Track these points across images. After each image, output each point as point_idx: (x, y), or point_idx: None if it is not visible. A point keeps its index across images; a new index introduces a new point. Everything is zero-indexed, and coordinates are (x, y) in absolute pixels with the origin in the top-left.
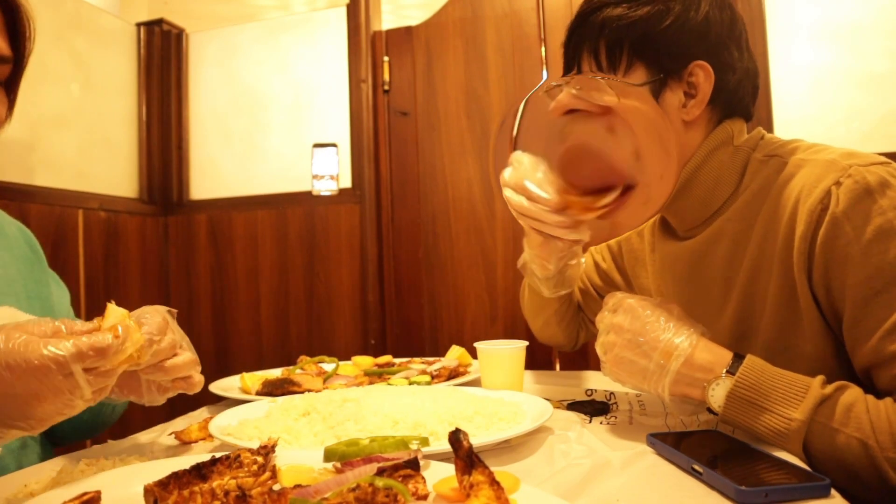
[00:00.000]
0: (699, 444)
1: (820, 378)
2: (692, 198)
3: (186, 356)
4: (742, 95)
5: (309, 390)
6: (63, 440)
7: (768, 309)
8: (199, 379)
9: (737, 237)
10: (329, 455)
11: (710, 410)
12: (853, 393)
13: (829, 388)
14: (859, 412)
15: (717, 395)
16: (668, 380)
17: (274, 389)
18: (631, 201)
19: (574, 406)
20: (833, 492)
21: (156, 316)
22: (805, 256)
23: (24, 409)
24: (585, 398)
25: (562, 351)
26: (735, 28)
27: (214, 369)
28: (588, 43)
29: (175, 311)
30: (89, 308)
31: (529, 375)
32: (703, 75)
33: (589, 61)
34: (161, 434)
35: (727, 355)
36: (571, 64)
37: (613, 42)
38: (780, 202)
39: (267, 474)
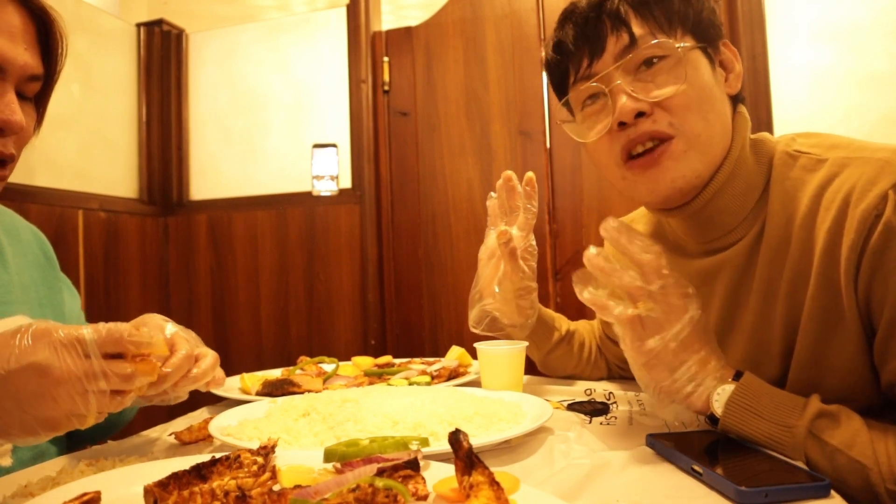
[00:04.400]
0: (699, 444)
1: (817, 395)
2: (729, 194)
3: (208, 360)
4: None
5: (309, 391)
6: (82, 442)
7: (804, 319)
8: (221, 374)
9: (776, 245)
10: (329, 455)
11: (710, 419)
12: (856, 417)
13: (832, 407)
14: (864, 438)
15: (720, 399)
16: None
17: (274, 390)
18: (668, 150)
19: (574, 406)
20: (833, 492)
21: (158, 335)
22: (854, 265)
23: (38, 393)
24: (585, 398)
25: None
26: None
27: None
28: (636, 6)
29: (182, 327)
30: (89, 308)
31: (529, 376)
32: (729, 53)
33: (644, 23)
34: (161, 434)
35: (732, 371)
36: (611, 30)
37: (668, 8)
38: (822, 204)
39: (267, 475)
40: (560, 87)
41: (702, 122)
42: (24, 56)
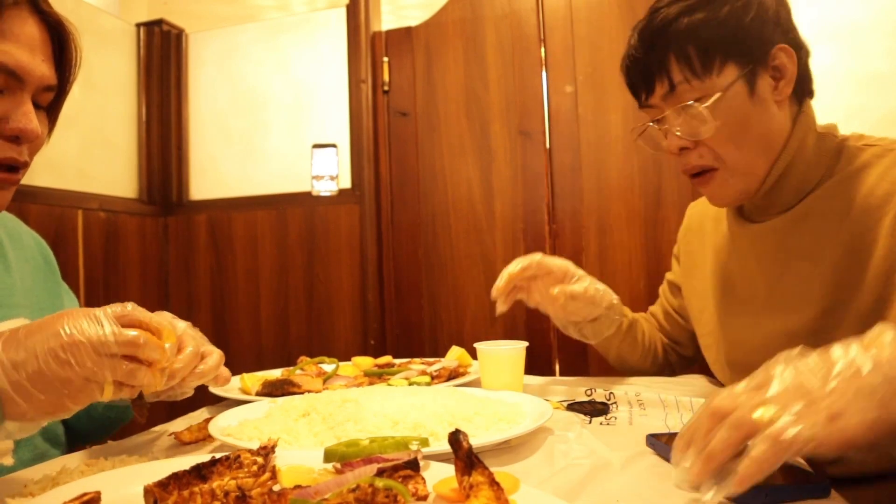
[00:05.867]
0: None
1: None
2: (789, 182)
3: (214, 357)
4: (809, 71)
5: (309, 391)
6: (84, 440)
7: (867, 281)
8: (226, 373)
9: (829, 214)
10: (329, 456)
11: None
12: None
13: None
14: None
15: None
16: None
17: (274, 390)
18: (715, 178)
19: (574, 406)
20: (833, 492)
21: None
22: None
23: (55, 353)
24: (585, 398)
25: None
26: (791, 11)
27: None
28: (676, 52)
29: (189, 322)
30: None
31: (529, 376)
32: (785, 56)
33: (680, 69)
34: (161, 435)
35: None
36: (654, 77)
37: (704, 45)
38: (890, 178)
39: (267, 475)
40: (636, 95)
41: (737, 151)
42: (42, 67)
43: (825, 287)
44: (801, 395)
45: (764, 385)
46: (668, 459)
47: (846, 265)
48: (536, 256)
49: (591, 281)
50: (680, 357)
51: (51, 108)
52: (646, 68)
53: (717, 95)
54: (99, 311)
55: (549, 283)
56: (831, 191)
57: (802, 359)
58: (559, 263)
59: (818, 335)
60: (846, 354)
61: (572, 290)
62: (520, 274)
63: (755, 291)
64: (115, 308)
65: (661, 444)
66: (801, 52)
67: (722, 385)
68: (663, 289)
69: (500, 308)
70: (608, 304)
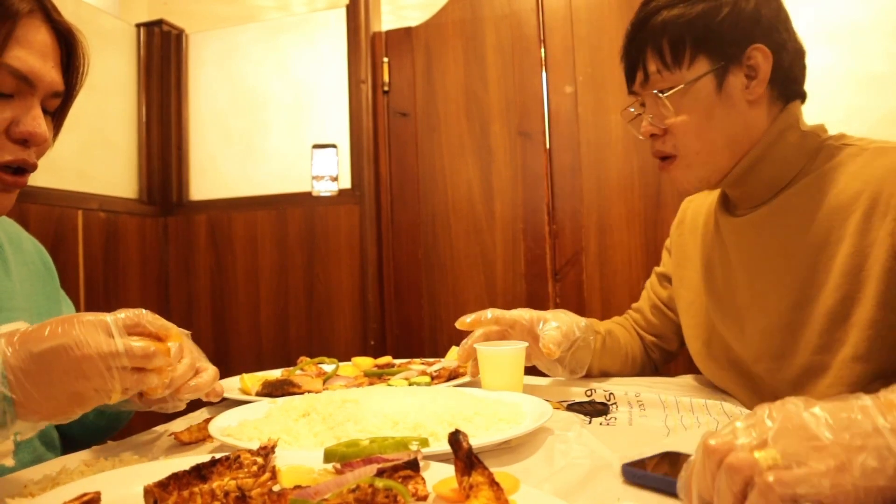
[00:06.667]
0: (673, 464)
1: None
2: (761, 175)
3: (209, 372)
4: (796, 74)
5: (309, 391)
6: (76, 446)
7: (833, 278)
8: (220, 389)
9: (802, 210)
10: (329, 456)
11: None
12: None
13: None
14: None
15: None
16: None
17: (274, 390)
18: (675, 165)
19: (574, 406)
20: None
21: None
22: (893, 220)
23: (67, 369)
24: (585, 399)
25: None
26: (781, 12)
27: None
28: (651, 44)
29: (188, 332)
30: (89, 309)
31: (529, 377)
32: (761, 57)
33: (654, 60)
34: (160, 435)
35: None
36: (636, 65)
37: (676, 40)
38: (862, 177)
39: (267, 475)
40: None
41: (699, 142)
42: (52, 74)
43: (795, 283)
44: (806, 439)
45: (762, 423)
46: (653, 489)
47: (814, 262)
48: (487, 313)
49: (555, 315)
50: (663, 353)
51: (57, 114)
52: (629, 57)
53: (679, 87)
54: (110, 321)
55: (520, 333)
56: (806, 188)
57: (808, 403)
58: (521, 314)
59: (791, 330)
60: (862, 409)
61: (554, 336)
62: (481, 336)
63: (735, 285)
64: (128, 316)
65: (645, 473)
66: (782, 53)
67: (716, 385)
68: (651, 282)
69: (473, 373)
70: (579, 327)
